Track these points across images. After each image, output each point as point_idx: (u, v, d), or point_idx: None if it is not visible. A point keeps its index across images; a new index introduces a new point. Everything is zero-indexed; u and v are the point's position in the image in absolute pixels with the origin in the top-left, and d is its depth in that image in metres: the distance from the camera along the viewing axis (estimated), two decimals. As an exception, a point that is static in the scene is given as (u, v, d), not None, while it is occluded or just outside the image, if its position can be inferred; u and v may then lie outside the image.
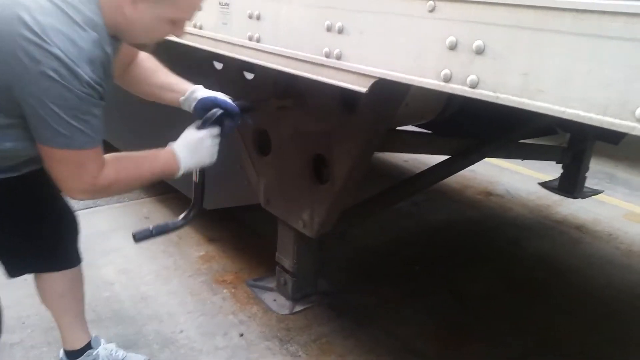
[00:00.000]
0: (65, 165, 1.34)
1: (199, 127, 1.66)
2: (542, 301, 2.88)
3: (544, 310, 2.79)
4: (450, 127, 3.06)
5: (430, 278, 3.03)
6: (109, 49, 1.31)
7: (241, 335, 2.43)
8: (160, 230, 1.94)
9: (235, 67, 2.34)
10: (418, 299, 2.81)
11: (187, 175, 1.78)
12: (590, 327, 2.67)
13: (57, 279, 1.92)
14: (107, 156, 1.43)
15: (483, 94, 1.05)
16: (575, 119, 0.90)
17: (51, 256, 1.87)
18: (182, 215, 2.06)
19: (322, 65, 1.45)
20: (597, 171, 4.75)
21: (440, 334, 2.54)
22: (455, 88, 1.10)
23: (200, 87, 1.79)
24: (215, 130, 1.68)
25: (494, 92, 1.03)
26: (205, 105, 1.72)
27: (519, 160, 4.59)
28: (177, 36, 1.47)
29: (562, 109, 0.92)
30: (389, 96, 1.83)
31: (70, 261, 1.93)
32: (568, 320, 2.70)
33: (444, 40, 1.11)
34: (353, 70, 1.35)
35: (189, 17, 1.42)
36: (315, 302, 2.68)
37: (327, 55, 1.42)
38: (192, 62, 2.48)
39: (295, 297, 2.65)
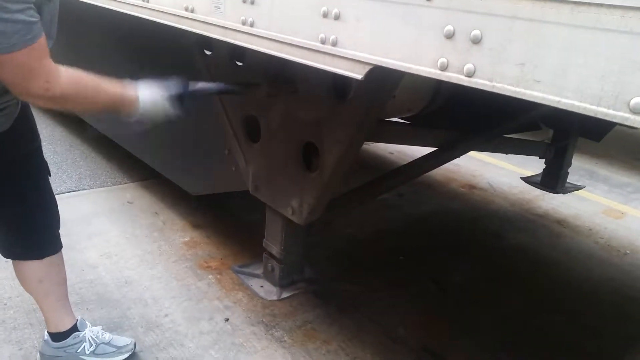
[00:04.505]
0: (10, 68, 1.31)
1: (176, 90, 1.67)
2: (523, 292, 2.93)
3: (525, 301, 2.85)
4: (435, 121, 3.08)
5: (414, 267, 3.07)
6: None
7: (226, 320, 2.44)
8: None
9: (225, 52, 2.33)
10: (402, 287, 2.85)
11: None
12: (570, 318, 2.73)
13: (34, 265, 1.87)
14: (68, 69, 1.42)
15: (479, 83, 1.06)
16: (570, 109, 0.92)
17: (30, 243, 1.83)
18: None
19: (317, 51, 1.44)
20: (577, 167, 4.83)
21: (422, 321, 2.57)
22: (452, 76, 1.11)
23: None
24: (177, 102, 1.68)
25: (490, 81, 1.04)
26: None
27: (502, 155, 4.65)
28: None
29: (558, 99, 0.94)
30: (382, 85, 1.84)
31: (47, 249, 1.89)
32: (548, 311, 2.76)
33: (441, 29, 1.11)
34: (349, 56, 1.35)
35: None
36: (301, 289, 2.70)
37: (323, 42, 1.42)
38: (180, 48, 2.47)
39: (282, 284, 2.67)
